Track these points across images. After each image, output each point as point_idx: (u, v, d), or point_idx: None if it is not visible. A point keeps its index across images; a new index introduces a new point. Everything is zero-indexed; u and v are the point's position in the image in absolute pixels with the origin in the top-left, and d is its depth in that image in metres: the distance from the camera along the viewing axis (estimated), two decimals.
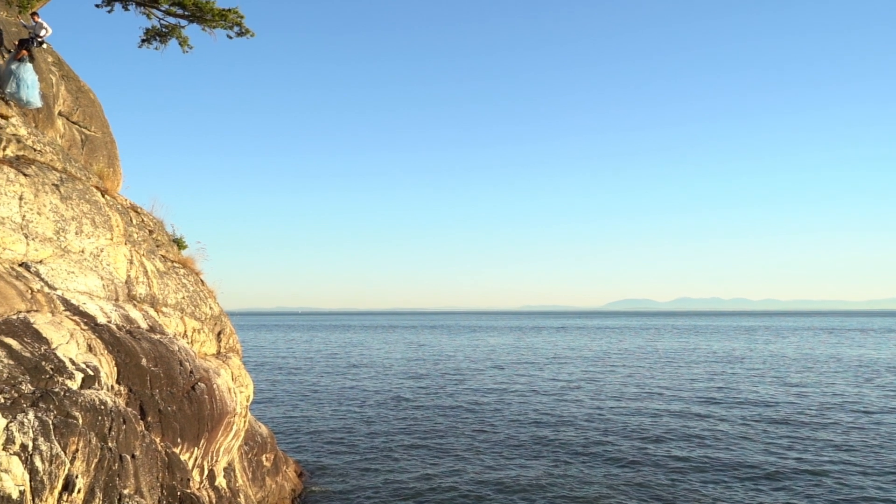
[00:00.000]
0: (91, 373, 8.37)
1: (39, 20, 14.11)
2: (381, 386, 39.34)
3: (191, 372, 11.39)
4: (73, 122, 16.00)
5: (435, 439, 23.72)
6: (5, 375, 6.96)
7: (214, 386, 12.10)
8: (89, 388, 8.18)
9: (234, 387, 13.50)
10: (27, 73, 13.24)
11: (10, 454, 6.39)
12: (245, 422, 14.13)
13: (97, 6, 19.22)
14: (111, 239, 12.14)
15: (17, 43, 13.87)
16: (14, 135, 11.29)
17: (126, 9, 19.06)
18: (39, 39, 13.97)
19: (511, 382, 40.67)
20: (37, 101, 13.44)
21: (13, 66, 13.16)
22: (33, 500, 6.45)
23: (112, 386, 9.01)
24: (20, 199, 10.17)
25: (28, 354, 7.61)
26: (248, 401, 14.53)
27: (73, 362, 8.23)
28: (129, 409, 8.97)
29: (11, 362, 7.24)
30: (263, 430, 17.31)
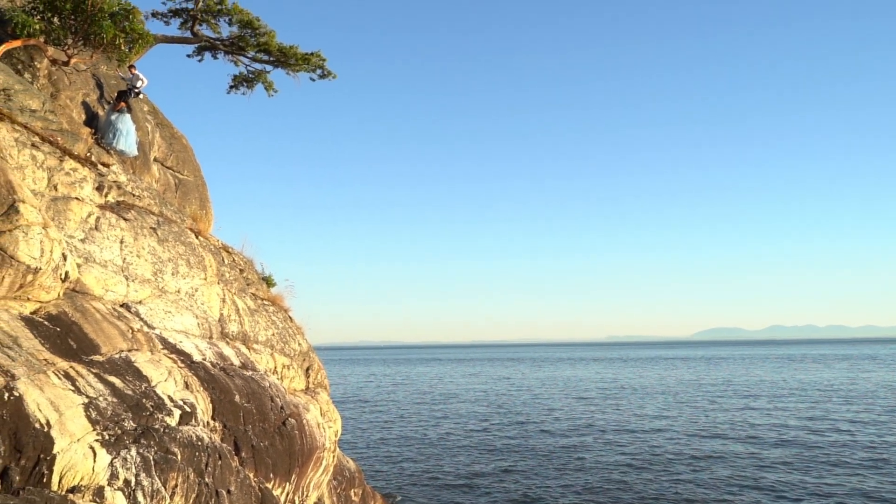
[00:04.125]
0: (188, 409, 8.59)
1: (136, 72, 14.87)
2: (466, 419, 39.05)
3: (281, 408, 11.55)
4: (168, 168, 16.74)
5: (521, 474, 23.29)
6: (109, 413, 7.21)
7: (304, 421, 12.23)
8: (187, 424, 8.39)
9: (323, 422, 13.62)
10: (124, 123, 13.94)
11: (115, 489, 6.58)
12: (334, 457, 14.21)
13: (188, 56, 20.19)
14: (205, 279, 12.55)
15: (115, 95, 14.66)
16: (115, 181, 11.87)
17: (215, 58, 19.94)
18: (136, 90, 14.71)
19: (598, 415, 39.69)
20: (133, 151, 14.11)
21: (112, 118, 13.90)
22: None
23: (208, 422, 9.22)
24: (121, 242, 10.64)
25: (130, 392, 7.87)
26: (336, 436, 14.62)
27: (171, 399, 8.47)
28: (224, 445, 9.14)
29: (115, 400, 7.50)
30: (351, 464, 17.38)
